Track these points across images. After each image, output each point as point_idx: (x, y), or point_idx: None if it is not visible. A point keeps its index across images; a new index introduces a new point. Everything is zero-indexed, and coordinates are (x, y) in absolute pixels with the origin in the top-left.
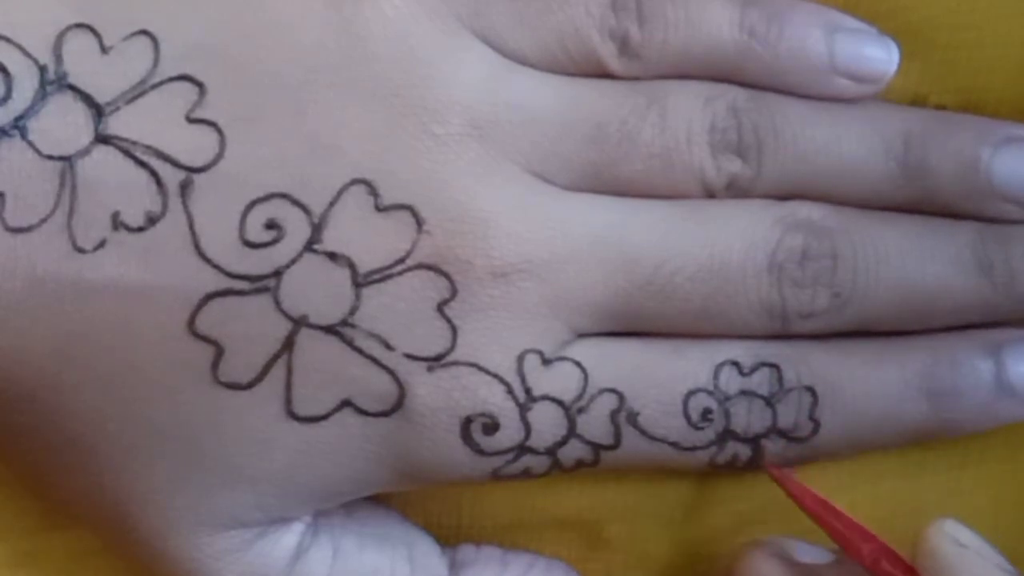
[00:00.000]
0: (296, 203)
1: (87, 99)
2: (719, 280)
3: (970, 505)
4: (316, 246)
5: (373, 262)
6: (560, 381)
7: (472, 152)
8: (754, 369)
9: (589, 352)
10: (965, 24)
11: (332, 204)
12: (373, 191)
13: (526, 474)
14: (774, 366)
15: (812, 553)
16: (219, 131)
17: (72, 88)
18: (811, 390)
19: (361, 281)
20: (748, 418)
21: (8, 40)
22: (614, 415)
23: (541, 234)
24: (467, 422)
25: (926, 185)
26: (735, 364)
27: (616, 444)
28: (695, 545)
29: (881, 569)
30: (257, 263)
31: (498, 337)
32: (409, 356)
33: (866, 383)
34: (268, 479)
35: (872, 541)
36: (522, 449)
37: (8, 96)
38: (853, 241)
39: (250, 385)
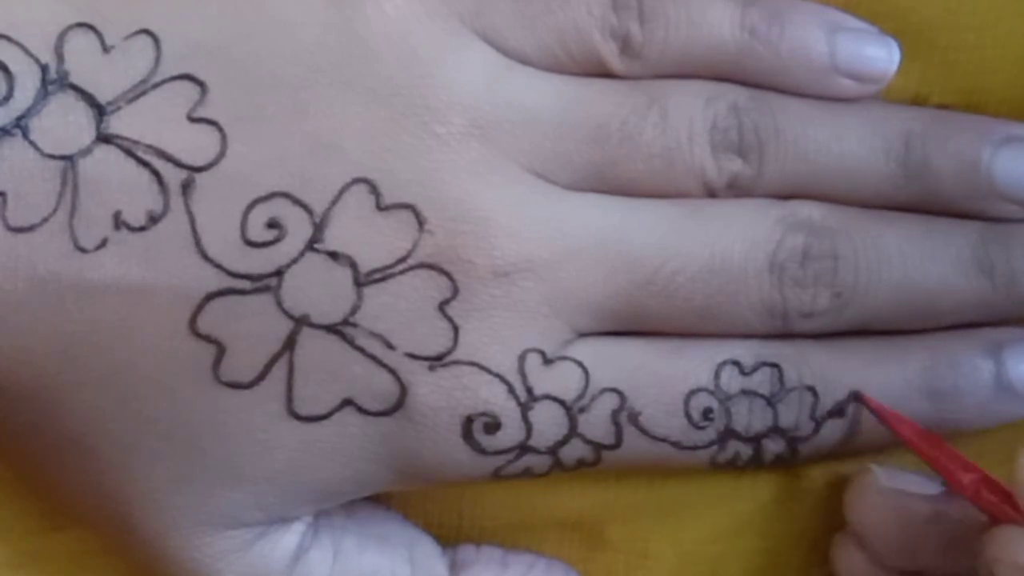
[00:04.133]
0: (297, 202)
1: (88, 98)
2: (720, 280)
3: None
4: (317, 245)
5: (374, 261)
6: (561, 380)
7: (473, 151)
8: (755, 369)
9: (590, 351)
10: (965, 25)
11: (333, 203)
12: (374, 190)
13: (527, 474)
14: (775, 366)
15: (919, 484)
16: (220, 130)
17: (73, 87)
18: (812, 390)
19: (362, 280)
20: (749, 417)
21: (9, 39)
22: (615, 415)
23: (542, 233)
24: (468, 421)
25: (927, 185)
26: (736, 364)
27: (617, 444)
28: (696, 545)
29: (982, 498)
30: (258, 262)
31: (499, 336)
32: (410, 355)
33: (867, 383)
34: (269, 479)
35: (973, 471)
36: (523, 449)
37: (10, 95)
38: (854, 241)
39: (251, 384)
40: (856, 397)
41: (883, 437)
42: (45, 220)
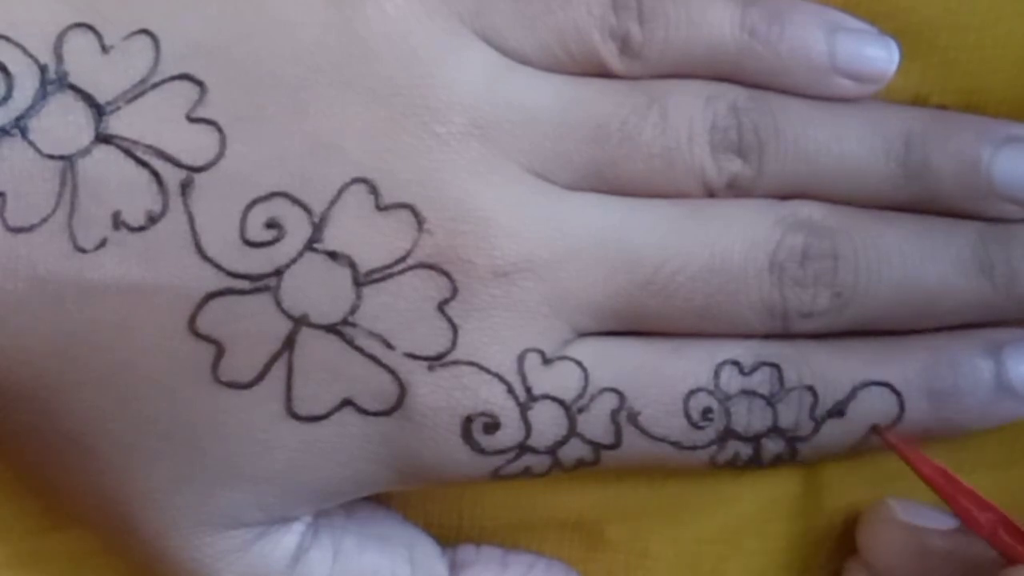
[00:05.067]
0: (297, 202)
1: (88, 98)
2: (720, 280)
3: None
4: (317, 245)
5: (374, 261)
6: (561, 380)
7: (473, 151)
8: (755, 368)
9: (590, 351)
10: (965, 25)
11: (333, 203)
12: (374, 190)
13: (526, 473)
14: (775, 366)
15: (935, 518)
16: (220, 130)
17: (73, 87)
18: (812, 390)
19: (362, 280)
20: (749, 417)
21: (9, 40)
22: (615, 414)
23: (542, 233)
24: (468, 421)
25: (927, 185)
26: (736, 363)
27: (617, 443)
28: (696, 545)
29: (998, 539)
30: (258, 262)
31: (499, 336)
32: (410, 355)
33: (866, 383)
34: (268, 479)
35: (990, 510)
36: (523, 448)
37: (9, 96)
38: (854, 241)
39: (251, 384)
40: (875, 431)
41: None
42: (44, 220)
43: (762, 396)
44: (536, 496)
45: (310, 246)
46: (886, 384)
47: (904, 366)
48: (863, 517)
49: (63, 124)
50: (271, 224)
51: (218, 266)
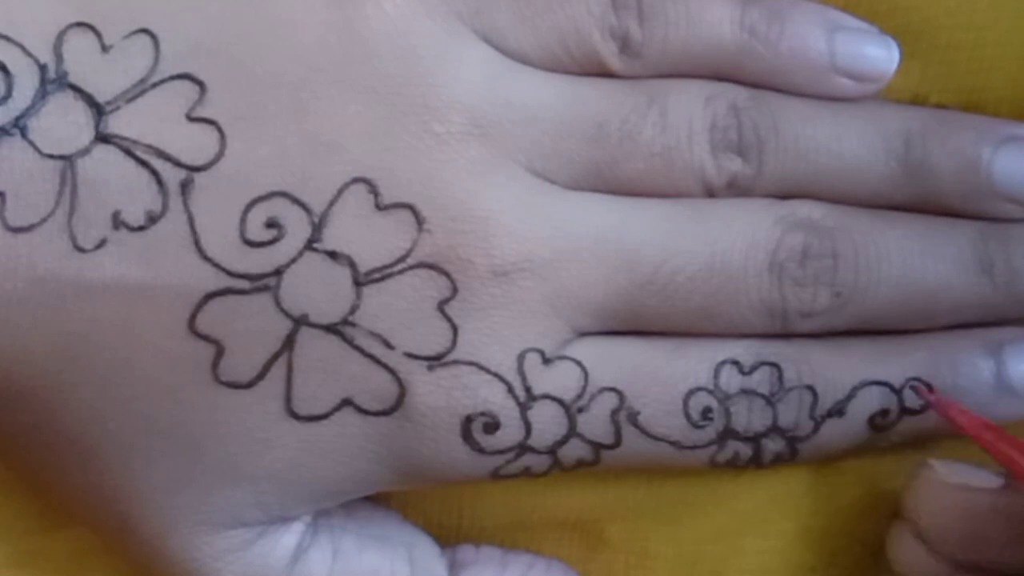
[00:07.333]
0: (296, 202)
1: (87, 98)
2: (720, 279)
3: None
4: (316, 245)
5: (374, 261)
6: (560, 380)
7: (473, 151)
8: (754, 368)
9: (590, 351)
10: (965, 24)
11: (332, 203)
12: (374, 190)
13: (526, 473)
14: (774, 365)
15: (981, 477)
16: (220, 130)
17: (72, 87)
18: (811, 389)
19: (361, 280)
20: (748, 417)
21: (8, 39)
22: (614, 414)
23: (542, 233)
24: (467, 421)
25: (927, 184)
26: (735, 363)
27: (616, 443)
28: (696, 545)
29: None
30: (258, 262)
31: (499, 336)
32: (409, 355)
33: (866, 382)
34: (268, 478)
35: None
36: (522, 448)
37: (8, 95)
38: (854, 240)
39: (250, 384)
40: (913, 388)
41: (883, 439)
42: (44, 220)
43: (762, 396)
44: (536, 496)
45: (310, 246)
46: (886, 383)
47: (904, 366)
48: (910, 481)
49: (63, 124)
50: (271, 224)
51: (218, 266)
